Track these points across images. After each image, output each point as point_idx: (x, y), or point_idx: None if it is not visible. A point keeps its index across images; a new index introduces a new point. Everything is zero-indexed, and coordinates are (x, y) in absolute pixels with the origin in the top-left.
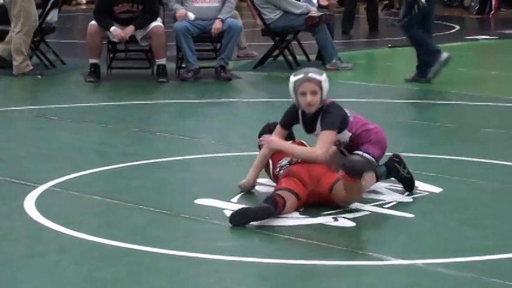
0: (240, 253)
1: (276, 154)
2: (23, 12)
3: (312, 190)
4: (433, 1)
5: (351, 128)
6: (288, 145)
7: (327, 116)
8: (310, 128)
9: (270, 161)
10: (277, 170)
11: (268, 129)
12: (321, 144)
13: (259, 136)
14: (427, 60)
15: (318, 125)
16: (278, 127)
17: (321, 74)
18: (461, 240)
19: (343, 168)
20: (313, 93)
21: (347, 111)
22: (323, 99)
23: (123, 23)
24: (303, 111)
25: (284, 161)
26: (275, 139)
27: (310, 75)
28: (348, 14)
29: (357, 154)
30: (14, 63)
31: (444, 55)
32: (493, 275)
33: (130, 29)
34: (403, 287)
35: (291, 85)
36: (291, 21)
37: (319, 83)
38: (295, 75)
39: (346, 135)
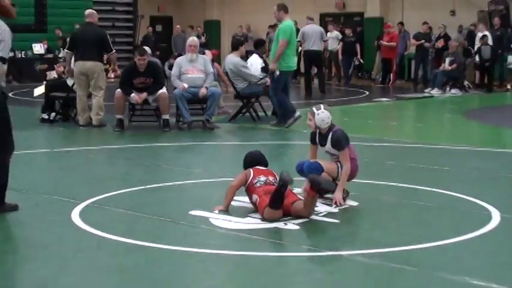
0: (221, 248)
1: (257, 170)
2: (104, 81)
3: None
4: (288, 74)
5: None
6: (341, 184)
7: (337, 141)
8: (323, 143)
9: (252, 172)
10: (255, 181)
11: (250, 155)
12: (345, 160)
13: (244, 163)
14: (285, 114)
15: (328, 141)
16: (310, 145)
17: (318, 109)
18: (372, 238)
19: (311, 180)
20: (309, 119)
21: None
22: (317, 125)
23: (139, 90)
24: (318, 132)
25: (262, 178)
26: (336, 197)
27: (310, 108)
28: (306, 82)
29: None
30: (97, 117)
31: (297, 114)
32: (394, 261)
33: (144, 94)
34: (333, 270)
35: None
36: (254, 89)
37: (312, 114)
38: None
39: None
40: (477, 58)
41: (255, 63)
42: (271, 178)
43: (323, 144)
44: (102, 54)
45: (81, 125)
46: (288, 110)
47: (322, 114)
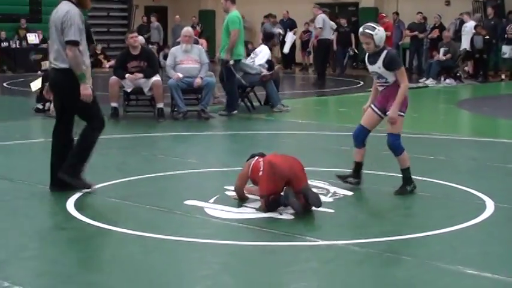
0: (215, 237)
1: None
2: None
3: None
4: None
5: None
6: (397, 101)
7: (392, 61)
8: (373, 61)
9: (256, 157)
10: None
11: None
12: (403, 78)
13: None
14: (230, 104)
15: (380, 60)
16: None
17: (373, 29)
18: (367, 227)
19: (304, 193)
20: (367, 43)
21: None
22: (377, 44)
23: (133, 74)
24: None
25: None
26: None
27: (362, 30)
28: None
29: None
30: None
31: (235, 112)
32: (389, 251)
33: (139, 75)
34: (328, 259)
35: None
36: (250, 79)
37: (370, 36)
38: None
39: (392, 78)
40: (463, 46)
41: (263, 52)
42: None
43: (373, 63)
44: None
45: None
46: (234, 101)
47: (380, 32)
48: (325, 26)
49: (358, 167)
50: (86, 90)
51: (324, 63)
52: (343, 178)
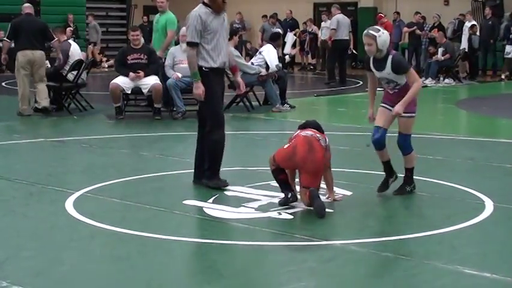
0: (215, 237)
1: (304, 130)
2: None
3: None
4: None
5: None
6: (406, 98)
7: (399, 64)
8: (380, 68)
9: (298, 131)
10: (302, 133)
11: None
12: (414, 78)
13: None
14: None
15: (388, 66)
16: (368, 74)
17: (377, 31)
18: (365, 227)
19: (311, 196)
20: (369, 44)
21: None
22: (379, 48)
23: (132, 67)
24: (373, 57)
25: (309, 132)
26: (395, 109)
27: (366, 31)
28: (331, 71)
29: (405, 115)
30: (48, 99)
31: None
32: (387, 250)
33: (142, 74)
34: (326, 259)
35: None
36: (248, 78)
37: (373, 37)
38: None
39: (403, 80)
40: (463, 46)
41: (272, 51)
42: (318, 135)
43: (380, 69)
44: (45, 43)
45: (29, 114)
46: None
47: (383, 36)
48: (339, 27)
49: (387, 165)
50: (197, 89)
51: (340, 63)
52: (384, 186)
